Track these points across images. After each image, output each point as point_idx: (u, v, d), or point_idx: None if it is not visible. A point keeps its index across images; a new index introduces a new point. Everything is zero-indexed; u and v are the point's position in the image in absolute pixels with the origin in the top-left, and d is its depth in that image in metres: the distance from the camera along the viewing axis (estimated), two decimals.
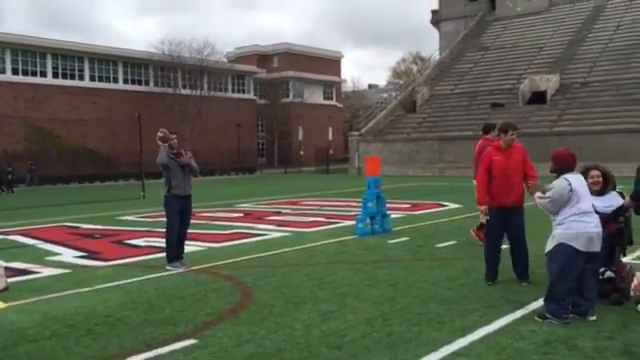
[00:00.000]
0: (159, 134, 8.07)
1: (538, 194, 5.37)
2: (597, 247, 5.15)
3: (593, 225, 5.13)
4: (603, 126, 29.28)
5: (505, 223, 6.59)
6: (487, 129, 9.30)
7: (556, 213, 5.22)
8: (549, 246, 5.24)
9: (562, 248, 5.10)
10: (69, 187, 35.47)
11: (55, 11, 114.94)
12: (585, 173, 5.89)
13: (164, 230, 8.38)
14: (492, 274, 6.61)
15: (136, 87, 48.53)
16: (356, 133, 40.05)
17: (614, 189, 5.98)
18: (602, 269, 5.67)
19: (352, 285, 6.68)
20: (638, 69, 34.48)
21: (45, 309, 6.03)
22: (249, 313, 5.64)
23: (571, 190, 5.13)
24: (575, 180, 5.21)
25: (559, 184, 5.21)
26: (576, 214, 5.11)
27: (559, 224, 5.18)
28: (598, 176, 5.89)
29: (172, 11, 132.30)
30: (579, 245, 5.06)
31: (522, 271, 6.59)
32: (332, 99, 69.14)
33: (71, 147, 41.53)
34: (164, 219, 8.39)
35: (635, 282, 1.73)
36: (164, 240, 8.34)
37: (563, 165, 5.33)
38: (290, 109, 61.11)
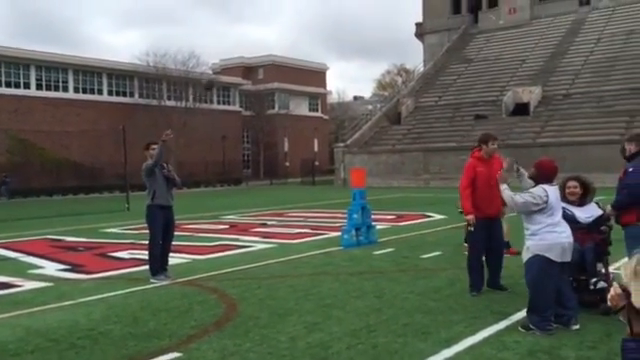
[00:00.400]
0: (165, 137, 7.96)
1: (505, 186, 5.42)
2: (569, 256, 5.24)
3: (565, 235, 5.21)
4: (585, 137, 29.64)
5: (488, 232, 6.65)
6: (484, 140, 9.39)
7: (524, 213, 5.25)
8: (525, 257, 5.30)
9: (537, 259, 5.15)
10: (52, 199, 35.10)
11: (40, 23, 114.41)
12: (564, 184, 6.00)
13: (148, 242, 8.32)
14: (479, 284, 6.65)
15: (121, 99, 48.29)
16: (341, 144, 40.14)
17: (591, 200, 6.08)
18: (594, 279, 5.72)
19: (337, 296, 6.67)
20: (618, 81, 35.01)
21: (27, 323, 5.95)
22: (234, 326, 5.61)
23: (546, 201, 5.20)
24: (552, 191, 5.28)
25: (537, 191, 5.27)
26: (550, 224, 5.17)
27: (533, 234, 5.23)
28: (575, 187, 5.99)
29: (157, 24, 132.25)
30: (553, 255, 5.12)
31: (498, 281, 6.74)
32: (317, 111, 69.32)
33: (55, 159, 41.15)
34: (148, 231, 8.34)
35: (612, 292, 1.78)
36: (148, 252, 8.28)
37: (545, 174, 5.38)
38: (275, 120, 61.14)
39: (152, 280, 7.86)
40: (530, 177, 5.54)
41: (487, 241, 6.70)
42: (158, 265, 8.02)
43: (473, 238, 6.76)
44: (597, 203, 6.06)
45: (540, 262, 5.12)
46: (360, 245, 10.52)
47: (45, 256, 10.75)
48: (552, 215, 5.20)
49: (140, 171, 8.22)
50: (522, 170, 5.69)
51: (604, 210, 5.91)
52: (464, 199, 6.75)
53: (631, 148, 5.66)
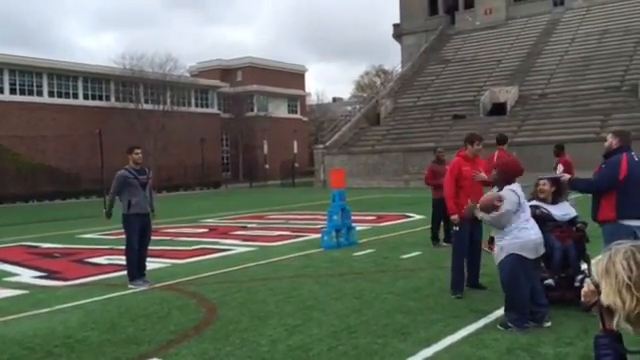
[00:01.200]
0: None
1: (482, 214, 5.44)
2: (541, 252, 5.32)
3: (534, 232, 5.28)
4: (561, 136, 29.96)
5: (471, 232, 6.66)
6: (503, 140, 9.67)
7: (504, 226, 5.26)
8: (499, 257, 5.31)
9: (511, 258, 5.20)
10: (28, 205, 34.56)
11: (11, 26, 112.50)
12: (536, 186, 6.10)
13: (125, 248, 8.23)
14: (461, 285, 6.60)
15: (97, 102, 47.75)
16: (321, 146, 40.16)
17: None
18: (580, 277, 5.78)
19: (318, 299, 6.66)
20: (593, 80, 35.56)
21: (2, 332, 5.84)
22: (214, 330, 5.57)
23: (519, 202, 5.26)
24: (518, 190, 5.35)
25: (510, 197, 5.25)
26: (522, 222, 5.24)
27: (505, 234, 5.26)
28: (544, 184, 6.09)
29: (132, 26, 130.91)
30: (527, 253, 5.18)
31: (477, 280, 6.79)
32: (297, 112, 69.27)
33: (30, 164, 40.52)
34: (123, 236, 8.26)
35: (585, 288, 1.80)
36: (125, 258, 8.19)
37: (511, 175, 5.44)
38: (255, 123, 60.94)
39: (130, 286, 7.78)
40: (496, 181, 5.60)
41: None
42: (135, 271, 7.93)
43: (458, 238, 6.72)
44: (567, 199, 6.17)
45: (514, 261, 5.17)
46: (340, 247, 10.52)
47: (21, 263, 10.57)
48: (523, 213, 5.28)
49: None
50: (481, 215, 5.56)
51: (584, 222, 5.99)
52: (448, 199, 6.76)
53: (613, 143, 5.59)
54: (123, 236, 8.27)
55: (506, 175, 5.46)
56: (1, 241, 14.46)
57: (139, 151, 8.13)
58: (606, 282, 1.78)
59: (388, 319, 5.66)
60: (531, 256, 5.18)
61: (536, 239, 5.24)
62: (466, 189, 6.57)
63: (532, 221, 5.35)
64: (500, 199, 5.34)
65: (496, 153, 9.30)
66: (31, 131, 42.61)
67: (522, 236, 5.19)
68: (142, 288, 7.70)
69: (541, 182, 6.11)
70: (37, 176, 39.77)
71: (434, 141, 33.97)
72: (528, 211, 5.38)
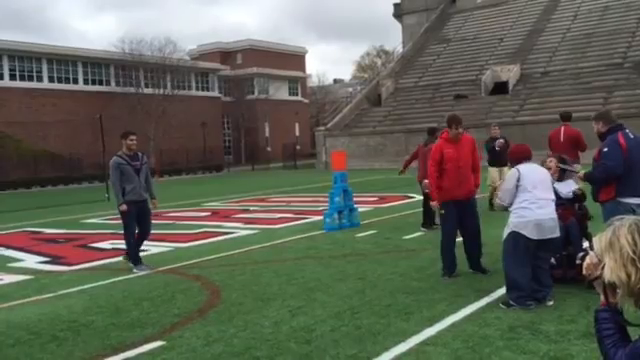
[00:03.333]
0: None
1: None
2: (548, 234, 5.23)
3: (543, 212, 5.21)
4: None
5: (460, 215, 6.49)
6: (568, 116, 10.16)
7: (510, 204, 5.36)
8: (504, 234, 5.37)
9: (512, 236, 5.23)
10: (31, 191, 34.64)
11: (6, 10, 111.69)
12: (542, 163, 6.09)
13: (124, 235, 8.26)
14: (450, 268, 6.49)
15: (97, 87, 47.60)
16: (322, 128, 40.07)
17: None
18: (581, 254, 5.79)
19: (321, 280, 6.69)
20: (595, 58, 35.30)
21: (7, 317, 5.89)
22: (217, 312, 5.60)
23: (519, 179, 5.27)
24: (525, 169, 5.34)
25: (509, 174, 5.41)
26: (526, 201, 5.22)
27: (512, 212, 5.33)
28: (550, 161, 6.11)
29: (130, 7, 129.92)
30: (528, 232, 5.17)
31: (476, 263, 6.57)
32: (297, 95, 69.02)
33: (32, 150, 40.52)
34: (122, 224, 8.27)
35: (587, 260, 1.79)
36: (125, 245, 8.21)
37: (516, 158, 5.56)
38: (256, 106, 60.77)
39: (135, 270, 7.80)
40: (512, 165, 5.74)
41: (459, 224, 6.56)
42: (137, 256, 7.95)
43: (444, 222, 6.64)
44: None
45: (515, 238, 5.20)
46: (342, 228, 10.54)
47: (25, 249, 10.62)
48: (529, 191, 5.24)
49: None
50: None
51: (576, 172, 6.02)
52: (429, 184, 6.73)
53: (599, 127, 5.64)
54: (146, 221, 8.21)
55: (513, 157, 5.65)
56: (5, 227, 14.52)
57: (134, 137, 8.00)
58: (610, 256, 1.78)
59: (391, 299, 5.69)
60: (532, 236, 5.16)
61: (541, 220, 5.18)
62: (450, 172, 6.43)
63: (545, 201, 5.25)
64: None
65: (562, 129, 9.87)
66: (32, 117, 42.58)
67: (525, 214, 5.19)
68: (146, 272, 7.73)
69: (548, 159, 6.13)
70: (39, 162, 39.79)
71: (436, 122, 33.75)
72: (539, 190, 5.27)
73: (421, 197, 12.74)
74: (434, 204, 6.70)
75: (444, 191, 6.49)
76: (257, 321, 5.21)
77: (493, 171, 11.92)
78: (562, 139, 9.76)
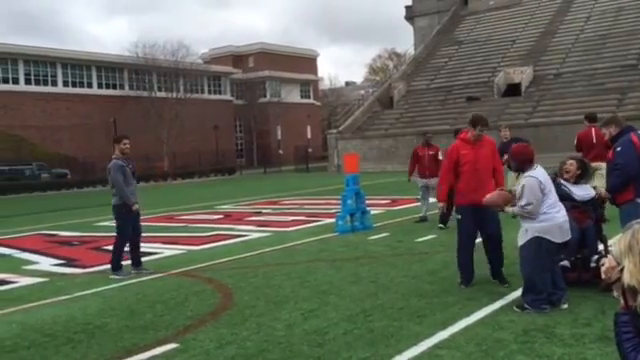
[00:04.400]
0: None
1: (509, 208, 5.37)
2: (567, 236, 5.20)
3: (562, 215, 5.19)
4: (577, 116, 29.56)
5: (478, 221, 6.05)
6: (594, 118, 9.93)
7: (538, 213, 5.13)
8: (522, 240, 5.21)
9: (535, 241, 5.11)
10: (46, 194, 34.95)
11: (21, 14, 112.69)
12: (563, 163, 6.05)
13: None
14: (467, 278, 6.13)
15: (111, 91, 48.03)
16: (334, 131, 40.08)
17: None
18: (596, 257, 5.74)
19: (333, 283, 6.68)
20: (609, 59, 35.02)
21: (23, 319, 5.94)
22: (230, 315, 5.61)
23: (542, 186, 5.15)
24: (540, 174, 5.26)
25: (531, 185, 5.11)
26: (547, 206, 5.15)
27: (531, 217, 5.21)
28: (571, 164, 6.03)
29: (142, 11, 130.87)
30: (553, 237, 5.10)
31: (498, 271, 6.12)
32: (309, 97, 69.15)
33: (46, 154, 40.94)
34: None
35: (607, 264, 1.77)
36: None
37: (525, 160, 5.32)
38: (268, 109, 60.96)
39: (112, 276, 7.74)
40: (515, 170, 5.57)
41: (479, 230, 6.16)
42: (121, 262, 7.93)
43: (460, 228, 6.22)
44: (594, 187, 6.09)
45: (539, 243, 5.09)
46: (355, 231, 10.53)
47: (40, 251, 10.72)
48: (547, 196, 5.17)
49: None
50: (509, 209, 5.40)
51: (599, 194, 5.90)
52: (441, 183, 6.42)
53: (611, 131, 5.66)
54: (141, 223, 8.29)
55: (519, 160, 5.36)
56: (21, 230, 14.67)
57: (127, 142, 8.06)
58: (629, 260, 1.76)
59: (404, 302, 5.67)
60: (557, 239, 5.10)
61: (562, 222, 5.14)
62: (466, 175, 6.04)
63: (559, 204, 5.22)
64: (507, 200, 5.35)
65: (593, 130, 9.67)
66: (47, 121, 43.04)
67: (548, 219, 5.10)
68: (125, 280, 7.56)
69: (568, 162, 6.06)
70: (53, 165, 40.17)
71: (448, 124, 33.73)
72: (553, 194, 5.22)
73: (433, 199, 12.73)
74: (439, 204, 6.57)
75: (460, 194, 6.16)
76: (270, 324, 5.21)
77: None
78: (595, 140, 9.52)
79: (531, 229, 5.15)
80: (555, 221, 5.11)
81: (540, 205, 5.12)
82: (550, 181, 5.32)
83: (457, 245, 6.30)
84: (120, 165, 7.89)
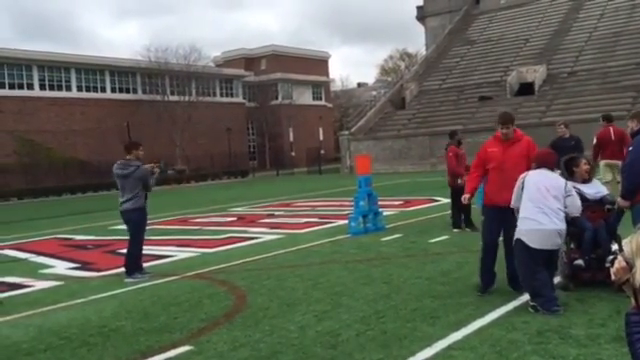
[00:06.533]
0: None
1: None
2: (550, 246, 5.14)
3: (537, 223, 5.13)
4: (591, 114, 29.39)
5: (501, 223, 5.77)
6: (610, 118, 10.46)
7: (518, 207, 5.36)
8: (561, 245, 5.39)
9: (517, 243, 5.26)
10: (61, 199, 35.31)
11: (33, 18, 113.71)
12: (571, 162, 6.01)
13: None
14: (486, 283, 5.87)
15: (124, 95, 48.37)
16: (346, 132, 40.07)
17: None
18: (611, 257, 5.69)
19: (346, 284, 6.69)
20: (623, 56, 34.69)
21: (39, 322, 6.01)
22: (244, 317, 5.64)
23: (522, 188, 5.28)
24: (532, 177, 5.31)
25: (570, 187, 5.37)
26: (526, 209, 5.22)
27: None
28: (585, 163, 6.03)
29: (153, 14, 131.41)
30: (529, 241, 5.14)
31: (515, 276, 5.68)
32: (321, 99, 69.17)
33: (62, 158, 41.34)
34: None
35: (616, 265, 1.76)
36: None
37: (541, 162, 5.47)
38: (280, 111, 61.08)
39: (127, 280, 7.80)
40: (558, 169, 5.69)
41: (501, 234, 5.87)
42: (140, 264, 8.05)
43: (483, 231, 5.99)
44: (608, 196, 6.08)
45: (519, 246, 5.25)
46: (368, 232, 10.52)
47: (55, 255, 10.83)
48: (529, 200, 5.30)
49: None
50: None
51: (613, 201, 5.86)
52: (468, 179, 6.30)
53: (633, 126, 5.67)
54: (154, 227, 8.40)
55: (536, 161, 5.55)
56: (36, 234, 14.83)
57: (141, 147, 8.34)
58: None
59: (417, 303, 5.66)
60: (533, 245, 5.11)
61: (544, 229, 5.08)
62: (491, 174, 5.85)
63: (545, 210, 5.10)
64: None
65: (611, 129, 10.43)
66: (61, 126, 43.45)
67: (523, 224, 5.22)
68: (141, 283, 7.63)
69: (584, 162, 6.07)
70: (69, 170, 40.56)
71: (461, 124, 33.62)
72: (538, 200, 5.15)
73: (448, 200, 12.69)
74: (465, 197, 6.19)
75: (485, 195, 5.98)
76: (283, 326, 5.23)
77: None
78: (614, 138, 10.28)
79: (517, 231, 5.28)
80: (533, 226, 5.13)
81: (517, 203, 5.31)
82: (545, 187, 5.21)
83: (481, 249, 6.02)
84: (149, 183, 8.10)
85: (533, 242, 5.12)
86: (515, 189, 5.37)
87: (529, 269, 5.16)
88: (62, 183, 39.00)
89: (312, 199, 19.55)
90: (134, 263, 8.00)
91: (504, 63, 40.31)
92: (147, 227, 8.41)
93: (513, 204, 5.41)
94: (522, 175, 5.40)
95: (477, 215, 10.27)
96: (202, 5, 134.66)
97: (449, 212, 11.43)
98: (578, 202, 5.36)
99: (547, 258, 5.22)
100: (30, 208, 27.63)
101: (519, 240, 5.22)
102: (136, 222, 8.06)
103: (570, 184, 5.68)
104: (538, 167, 5.40)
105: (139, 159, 8.14)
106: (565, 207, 5.22)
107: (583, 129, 27.45)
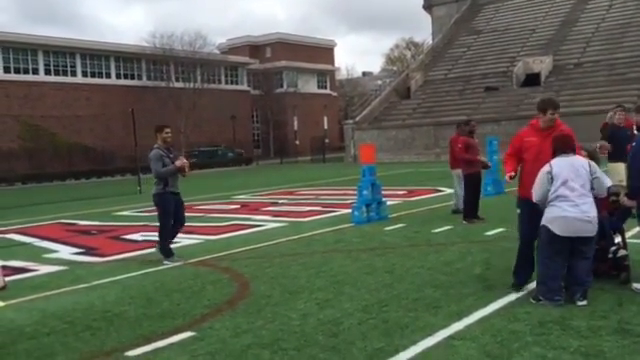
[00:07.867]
0: None
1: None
2: (581, 232, 5.00)
3: (576, 210, 4.98)
4: (598, 106, 29.23)
5: (538, 216, 5.29)
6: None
7: (543, 201, 5.14)
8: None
9: (543, 230, 5.14)
10: (66, 184, 35.42)
11: (39, 3, 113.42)
12: None
13: (160, 227, 8.38)
14: (521, 278, 5.57)
15: (129, 82, 48.36)
16: (351, 121, 40.00)
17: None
18: (614, 248, 5.67)
19: (349, 273, 6.70)
20: (631, 48, 34.45)
21: (43, 306, 6.05)
22: (246, 304, 5.66)
23: (550, 175, 5.08)
24: (558, 164, 5.15)
25: (540, 174, 5.14)
26: (557, 197, 5.06)
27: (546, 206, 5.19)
28: (586, 156, 5.93)
29: (158, 0, 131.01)
30: (556, 229, 5.03)
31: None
32: (326, 88, 69.00)
33: (66, 144, 41.45)
34: (159, 216, 8.39)
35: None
36: (159, 237, 8.33)
37: (559, 147, 5.23)
38: (284, 99, 60.98)
39: (165, 262, 7.92)
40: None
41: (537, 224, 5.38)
42: (169, 248, 8.08)
43: (520, 223, 5.69)
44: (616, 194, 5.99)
45: (544, 234, 5.11)
46: (371, 221, 10.53)
47: (59, 240, 10.88)
48: (560, 187, 5.06)
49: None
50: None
51: (617, 192, 5.78)
52: (505, 162, 5.81)
53: (638, 120, 5.59)
54: (156, 213, 8.37)
55: (556, 147, 5.25)
56: (41, 219, 14.89)
57: (169, 130, 8.22)
58: None
59: (419, 293, 5.67)
60: (560, 233, 5.01)
61: (568, 216, 4.98)
62: (526, 165, 5.51)
63: (576, 197, 5.01)
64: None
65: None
66: (66, 111, 43.49)
67: (553, 211, 5.06)
68: (177, 264, 7.84)
69: (582, 154, 5.98)
70: (73, 155, 40.70)
71: (466, 114, 33.42)
72: (570, 187, 5.04)
73: (451, 190, 12.67)
74: (508, 175, 5.66)
75: (521, 186, 5.64)
76: (285, 313, 5.25)
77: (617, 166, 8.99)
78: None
79: (543, 218, 5.17)
80: (561, 213, 5.00)
81: (543, 195, 5.11)
82: (573, 174, 5.09)
83: (519, 242, 5.71)
84: (160, 155, 7.95)
85: (557, 229, 5.02)
86: (539, 182, 5.10)
87: (546, 256, 5.11)
88: (66, 168, 39.16)
89: (316, 188, 19.55)
90: (163, 247, 8.02)
91: (510, 53, 40.09)
92: (148, 214, 8.39)
93: (538, 199, 5.13)
94: (545, 169, 5.10)
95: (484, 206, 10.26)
96: None
97: (452, 202, 11.43)
98: (605, 182, 5.20)
99: (575, 248, 5.07)
100: (34, 193, 27.73)
101: (544, 226, 5.10)
102: (159, 206, 8.07)
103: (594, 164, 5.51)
104: (560, 153, 5.21)
105: (165, 142, 8.11)
106: (592, 189, 5.11)
107: (589, 120, 27.36)
